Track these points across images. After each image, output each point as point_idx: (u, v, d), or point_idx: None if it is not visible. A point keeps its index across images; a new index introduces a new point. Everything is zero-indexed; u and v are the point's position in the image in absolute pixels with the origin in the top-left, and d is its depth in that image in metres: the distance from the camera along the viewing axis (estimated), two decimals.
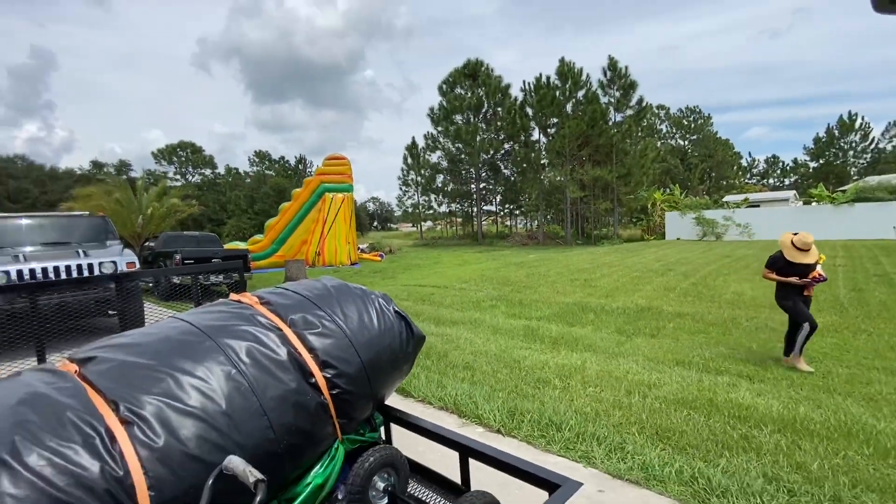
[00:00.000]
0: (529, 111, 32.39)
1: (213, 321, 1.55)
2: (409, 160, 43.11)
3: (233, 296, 1.82)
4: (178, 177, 58.03)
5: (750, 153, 65.14)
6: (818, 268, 4.88)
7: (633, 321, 7.14)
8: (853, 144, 52.20)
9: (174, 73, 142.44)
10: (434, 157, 40.61)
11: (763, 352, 5.51)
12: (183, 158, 59.40)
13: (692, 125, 57.31)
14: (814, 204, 26.10)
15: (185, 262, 10.52)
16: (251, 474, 0.99)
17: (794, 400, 3.91)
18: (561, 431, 3.33)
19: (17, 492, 0.95)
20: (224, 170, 61.92)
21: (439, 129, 37.87)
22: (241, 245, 20.14)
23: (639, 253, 18.67)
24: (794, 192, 38.97)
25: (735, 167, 57.40)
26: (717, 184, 53.17)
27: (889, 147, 50.80)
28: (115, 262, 6.47)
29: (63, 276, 5.96)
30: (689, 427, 3.35)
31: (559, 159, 30.33)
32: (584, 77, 29.89)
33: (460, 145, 36.75)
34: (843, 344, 5.74)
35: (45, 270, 5.89)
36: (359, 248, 23.05)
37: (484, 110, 36.58)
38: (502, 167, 38.98)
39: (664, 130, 56.93)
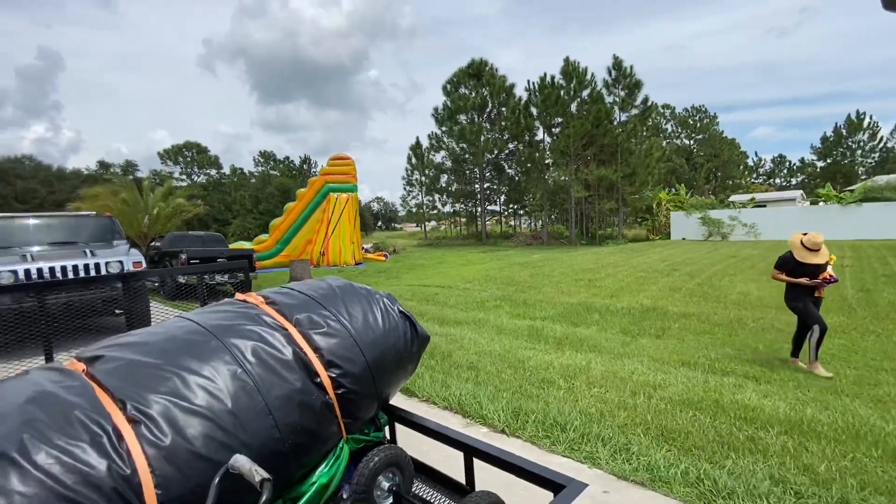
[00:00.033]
0: (534, 111, 32.32)
1: (219, 321, 1.56)
2: (414, 160, 43.15)
3: (238, 295, 1.83)
4: (183, 177, 58.42)
5: (756, 152, 64.96)
6: (829, 269, 4.80)
7: (638, 322, 7.11)
8: (861, 144, 51.74)
9: (180, 74, 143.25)
10: (438, 157, 40.70)
11: (769, 353, 5.47)
12: (188, 159, 59.76)
13: (698, 124, 57.01)
14: (821, 204, 25.91)
15: (191, 261, 10.58)
16: (257, 473, 0.99)
17: (801, 401, 3.88)
18: (565, 432, 3.32)
19: (25, 489, 0.96)
20: (229, 170, 62.29)
21: (443, 128, 37.91)
22: (246, 245, 20.24)
23: (644, 253, 18.59)
24: (801, 191, 38.71)
25: (741, 167, 57.04)
26: (722, 183, 52.89)
27: None
28: (121, 262, 6.51)
29: (70, 275, 6.00)
30: (694, 428, 3.34)
31: (564, 159, 30.27)
32: (588, 76, 29.83)
33: (464, 145, 36.76)
34: (850, 345, 5.69)
35: (52, 270, 5.93)
36: (363, 248, 23.11)
37: (488, 110, 36.57)
38: (506, 167, 38.95)
39: (669, 130, 56.69)
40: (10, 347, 4.52)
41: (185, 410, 1.22)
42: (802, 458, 2.90)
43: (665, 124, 55.37)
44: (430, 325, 7.10)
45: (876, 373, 4.68)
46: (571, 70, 29.78)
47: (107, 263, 6.38)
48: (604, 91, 29.93)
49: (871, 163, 50.95)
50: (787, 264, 4.92)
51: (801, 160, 59.25)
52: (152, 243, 15.19)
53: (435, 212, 45.27)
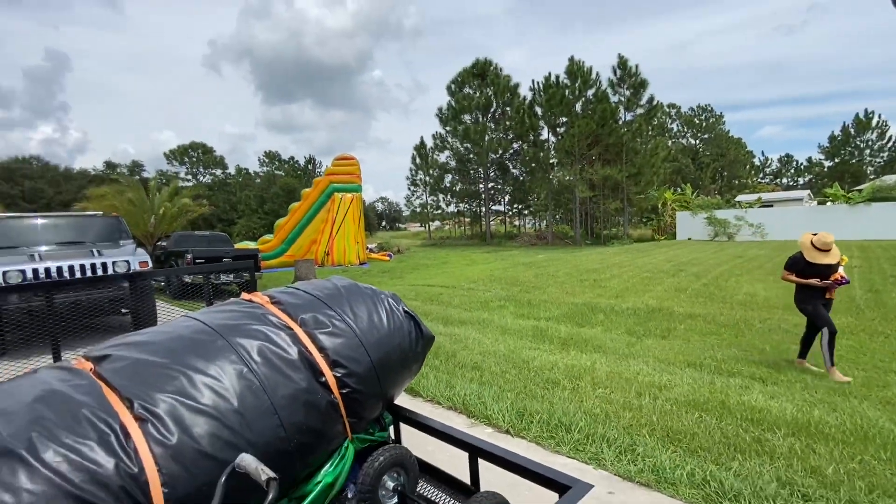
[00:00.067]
0: (538, 110, 32.27)
1: (225, 320, 1.57)
2: (418, 160, 43.18)
3: (244, 295, 1.84)
4: (189, 177, 58.76)
5: (763, 152, 64.51)
6: (840, 270, 4.72)
7: (643, 322, 7.08)
8: (869, 143, 51.25)
9: (186, 75, 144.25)
10: (442, 157, 40.73)
11: (776, 354, 5.43)
12: (194, 159, 60.11)
13: (703, 124, 56.69)
14: (829, 204, 25.71)
15: (197, 261, 10.64)
16: (263, 472, 0.99)
17: (808, 403, 3.84)
18: (570, 433, 3.31)
19: (33, 487, 0.97)
20: (234, 170, 62.61)
21: (448, 128, 37.92)
22: (251, 245, 20.31)
23: (649, 253, 18.51)
24: (809, 191, 38.39)
25: (747, 166, 56.68)
26: (729, 183, 52.57)
27: None
28: (128, 262, 6.55)
29: (77, 275, 6.05)
30: (700, 429, 3.31)
31: (568, 159, 30.18)
32: (593, 76, 29.75)
33: (469, 145, 36.75)
34: (859, 346, 5.64)
35: (59, 269, 5.98)
36: (367, 248, 23.14)
37: (492, 110, 36.54)
38: (511, 167, 38.90)
39: (675, 129, 56.41)
40: (19, 346, 4.56)
41: (192, 409, 1.23)
42: (810, 460, 2.88)
43: (670, 124, 55.10)
44: (435, 325, 7.10)
45: (885, 374, 4.64)
46: (576, 69, 29.70)
47: (113, 263, 6.42)
48: (609, 90, 29.87)
49: (879, 162, 50.46)
50: (797, 265, 4.84)
51: (809, 160, 58.84)
52: (158, 243, 15.28)
53: (439, 212, 45.28)
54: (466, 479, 1.76)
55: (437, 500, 1.77)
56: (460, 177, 40.20)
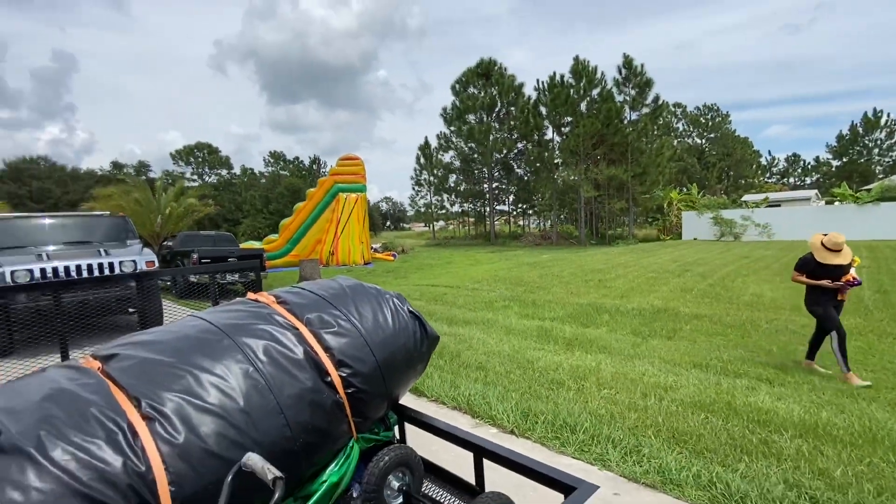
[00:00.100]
0: (543, 110, 32.20)
1: (231, 320, 1.58)
2: (422, 160, 43.21)
3: (250, 295, 1.85)
4: (195, 177, 59.06)
5: (770, 151, 63.90)
6: (852, 271, 4.64)
7: (648, 322, 7.05)
8: (878, 142, 50.76)
9: (191, 76, 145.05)
10: (447, 157, 40.72)
11: (783, 355, 5.39)
12: (200, 159, 60.42)
13: (709, 123, 56.36)
14: (837, 203, 25.44)
15: (202, 261, 10.69)
16: (270, 472, 0.99)
17: (815, 404, 3.81)
18: (575, 433, 3.30)
19: (42, 485, 0.97)
20: (240, 170, 62.88)
21: (452, 128, 37.91)
22: (256, 244, 20.40)
23: (655, 253, 18.43)
24: (816, 191, 38.08)
25: (754, 166, 56.27)
26: (735, 183, 52.21)
27: None
28: (134, 261, 6.60)
29: (85, 274, 6.09)
30: (706, 431, 3.30)
31: (573, 158, 30.11)
32: (598, 75, 29.65)
33: (473, 145, 36.73)
34: (867, 348, 5.59)
35: (67, 269, 6.03)
36: (372, 248, 23.18)
37: (497, 110, 36.50)
38: (515, 167, 38.85)
39: (681, 129, 56.11)
40: (27, 345, 4.61)
41: (198, 408, 1.23)
42: (817, 463, 2.85)
43: (676, 123, 54.83)
44: (439, 325, 7.10)
45: (894, 376, 4.59)
46: (581, 69, 29.62)
47: (120, 262, 6.47)
48: (614, 90, 29.75)
49: (888, 161, 49.98)
50: (808, 266, 4.76)
51: (816, 159, 58.39)
52: (164, 243, 15.37)
53: (443, 212, 45.28)
54: (471, 479, 1.76)
55: (442, 501, 1.77)
56: (465, 177, 40.19)
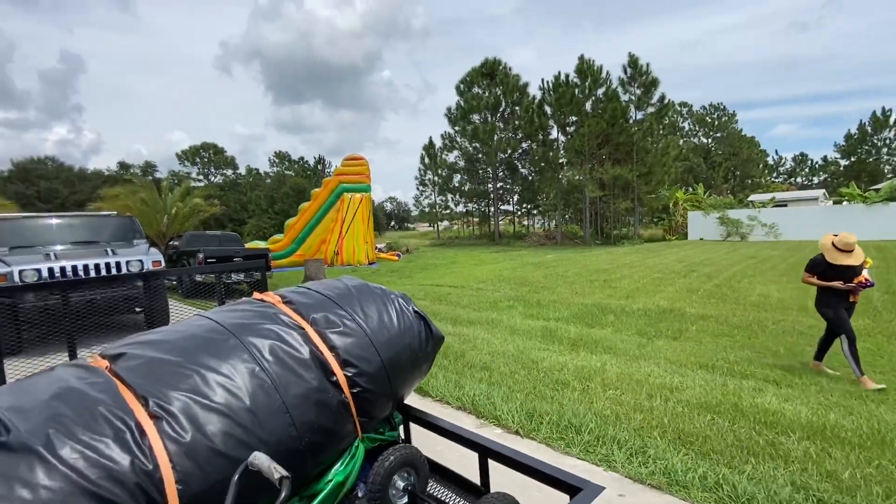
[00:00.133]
0: (548, 110, 32.10)
1: (237, 319, 1.58)
2: (427, 160, 43.23)
3: (256, 294, 1.86)
4: (200, 177, 59.43)
5: (777, 151, 63.27)
6: (864, 272, 4.56)
7: (654, 323, 7.01)
8: (887, 141, 50.20)
9: (197, 76, 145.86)
10: (451, 157, 40.71)
11: (790, 356, 5.35)
12: (206, 159, 60.79)
13: (716, 122, 56.04)
14: (845, 203, 25.24)
15: (208, 260, 10.75)
16: (276, 471, 1.00)
17: (823, 406, 3.78)
18: (580, 434, 3.29)
19: (51, 484, 0.98)
20: (245, 170, 63.18)
21: (456, 128, 37.91)
22: (261, 244, 20.48)
23: (660, 253, 18.34)
24: (824, 190, 37.75)
25: (761, 165, 55.88)
26: (741, 183, 51.86)
27: None
28: (141, 261, 6.64)
29: (92, 274, 6.14)
30: (712, 432, 3.28)
31: (578, 158, 30.01)
32: (603, 75, 29.51)
33: (477, 145, 36.71)
34: (876, 349, 5.54)
35: (74, 268, 6.08)
36: (376, 248, 23.22)
37: (501, 109, 36.46)
38: (520, 166, 38.78)
39: (687, 128, 55.82)
40: (35, 344, 4.65)
41: (205, 407, 1.24)
42: (825, 465, 2.83)
43: (682, 122, 54.55)
44: (443, 325, 7.10)
45: None
46: (586, 68, 29.51)
47: (127, 262, 6.51)
48: (619, 89, 29.62)
49: None
50: (818, 267, 4.68)
51: (824, 158, 57.88)
52: (170, 242, 15.47)
53: (448, 211, 45.30)
54: (476, 479, 1.76)
55: (447, 501, 1.77)
56: (469, 176, 40.17)
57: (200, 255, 10.93)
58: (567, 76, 30.27)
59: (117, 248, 6.85)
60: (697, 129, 56.47)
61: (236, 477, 1.03)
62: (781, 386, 4.35)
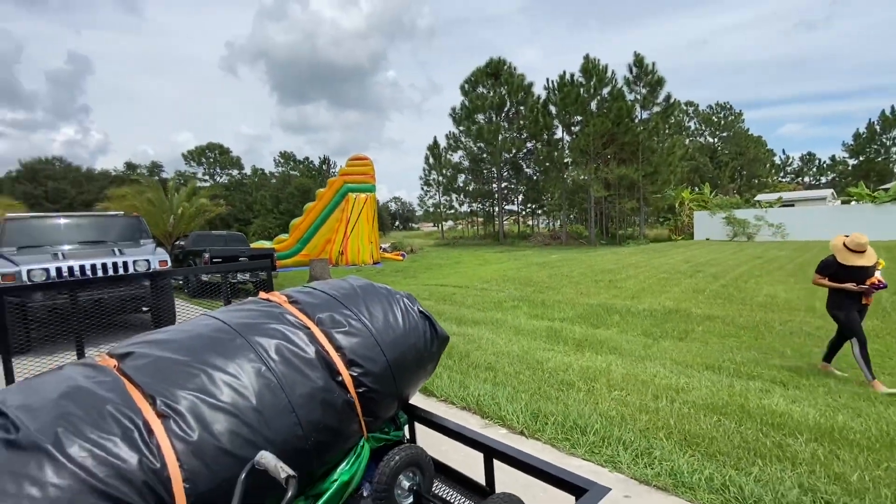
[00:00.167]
0: (553, 109, 32.04)
1: (243, 319, 1.59)
2: (431, 160, 43.25)
3: (262, 294, 1.86)
4: (206, 177, 59.71)
5: (784, 150, 62.73)
6: (877, 273, 4.47)
7: (660, 323, 6.98)
8: None
9: (203, 77, 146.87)
10: (456, 157, 40.71)
11: (798, 357, 5.31)
12: (211, 160, 61.09)
13: (722, 122, 55.70)
14: (853, 203, 25.00)
15: (214, 260, 10.81)
16: (283, 470, 1.00)
17: (831, 408, 3.75)
18: (585, 435, 3.28)
19: (59, 481, 0.99)
20: (250, 170, 63.51)
21: (461, 128, 37.89)
22: (266, 244, 20.57)
23: (666, 253, 18.25)
24: (832, 190, 37.41)
25: (768, 165, 55.48)
26: (748, 182, 51.52)
27: None
28: (148, 261, 6.68)
29: (99, 273, 6.19)
30: (719, 433, 3.25)
31: (583, 158, 29.91)
32: (609, 74, 29.43)
33: (482, 145, 36.66)
34: (885, 350, 5.48)
35: (82, 268, 6.12)
36: (381, 248, 23.25)
37: (506, 109, 36.40)
38: (524, 166, 38.72)
39: (693, 128, 55.52)
40: (43, 343, 4.69)
41: (212, 407, 1.24)
42: (833, 467, 2.80)
43: (688, 122, 54.26)
44: (448, 325, 7.10)
45: None
46: (591, 67, 29.42)
47: (134, 262, 6.55)
48: (625, 89, 29.51)
49: None
50: (830, 268, 4.60)
51: (832, 158, 57.45)
52: (177, 242, 15.56)
53: (452, 211, 45.27)
54: (481, 479, 1.76)
55: (452, 501, 1.77)
56: (473, 176, 40.14)
57: (206, 255, 10.99)
58: (572, 76, 30.23)
59: (124, 248, 6.90)
60: (703, 128, 56.15)
61: (243, 476, 1.04)
62: (789, 387, 4.32)
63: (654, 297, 9.11)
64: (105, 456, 1.05)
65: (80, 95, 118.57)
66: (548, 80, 32.49)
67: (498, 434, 3.40)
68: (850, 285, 4.48)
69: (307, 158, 65.52)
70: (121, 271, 6.35)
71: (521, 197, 41.83)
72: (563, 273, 13.15)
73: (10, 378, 2.41)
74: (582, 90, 29.63)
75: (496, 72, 36.08)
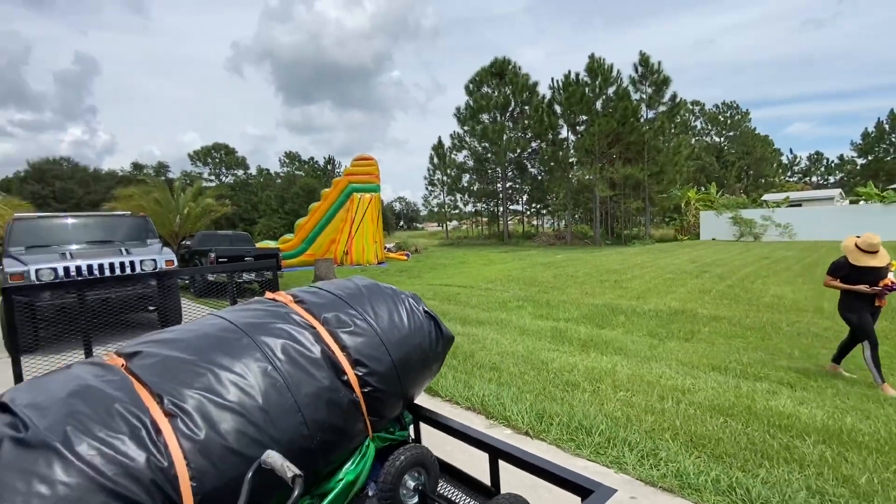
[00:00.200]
0: (558, 109, 31.95)
1: (249, 319, 1.60)
2: (436, 160, 43.25)
3: (268, 294, 1.87)
4: (212, 177, 60.08)
5: (791, 150, 62.42)
6: (890, 275, 4.38)
7: (665, 324, 6.95)
8: None
9: (209, 77, 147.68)
10: (460, 157, 40.71)
11: (805, 358, 5.27)
12: (217, 160, 61.44)
13: (728, 121, 55.37)
14: (862, 203, 24.78)
15: (220, 260, 10.86)
16: (289, 469, 1.00)
17: (839, 409, 3.71)
18: (591, 436, 3.27)
19: (68, 480, 1.00)
20: (256, 170, 63.80)
21: (466, 128, 37.88)
22: (272, 244, 20.65)
23: (672, 253, 18.16)
24: (840, 190, 37.11)
25: (775, 164, 55.11)
26: (755, 182, 51.19)
27: None
28: (154, 260, 6.73)
29: (107, 273, 6.23)
30: (725, 435, 3.24)
31: (588, 157, 29.82)
32: (614, 73, 29.29)
33: (486, 144, 36.64)
34: (894, 352, 5.42)
35: (90, 267, 6.17)
36: (385, 248, 23.29)
37: (511, 109, 36.36)
38: (529, 166, 38.65)
39: (699, 127, 55.23)
40: (51, 342, 4.73)
41: (219, 406, 1.25)
42: (841, 469, 2.78)
43: (694, 121, 53.96)
44: (453, 325, 7.10)
45: None
46: (596, 67, 29.30)
47: (141, 261, 6.60)
48: (630, 88, 29.37)
49: None
50: (842, 270, 4.54)
51: (840, 157, 57.00)
52: (183, 242, 15.66)
53: (457, 211, 45.27)
54: (486, 479, 1.75)
55: (457, 501, 1.77)
56: (478, 176, 40.12)
57: (212, 255, 11.05)
58: (577, 75, 30.12)
59: (131, 248, 6.95)
60: (710, 127, 55.85)
61: (250, 475, 1.04)
62: (796, 389, 4.28)
63: (660, 297, 9.07)
64: (113, 454, 1.06)
65: (88, 96, 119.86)
66: (553, 79, 32.46)
67: (503, 434, 3.40)
68: (862, 287, 4.40)
69: (312, 158, 65.83)
70: (128, 271, 6.40)
71: (525, 197, 41.76)
72: (568, 273, 13.11)
73: (18, 377, 2.43)
74: (587, 89, 29.52)
75: (501, 71, 36.04)
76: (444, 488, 1.83)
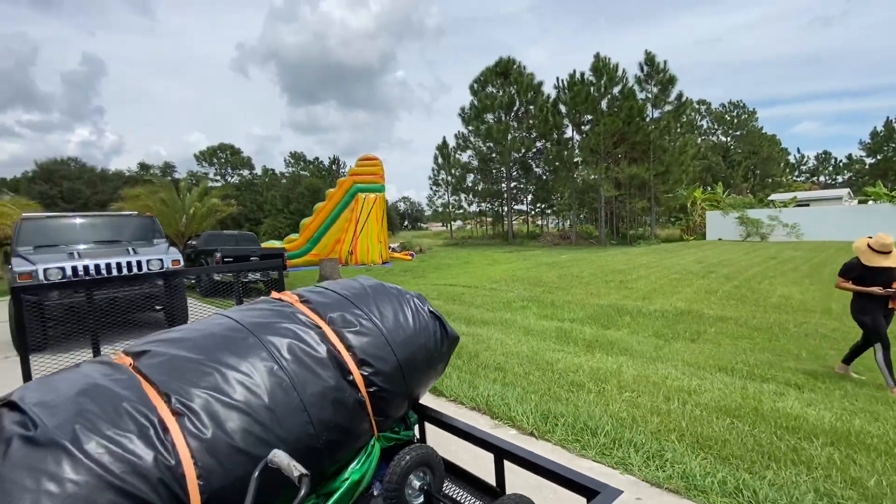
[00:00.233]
0: (563, 108, 31.87)
1: (256, 318, 1.60)
2: (440, 160, 43.25)
3: (274, 294, 1.88)
4: (218, 178, 60.36)
5: (799, 149, 61.58)
6: None
7: (671, 325, 6.91)
8: None
9: (215, 78, 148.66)
10: (465, 157, 40.70)
11: (813, 360, 5.22)
12: (223, 160, 61.74)
13: (735, 120, 54.97)
14: (870, 203, 24.54)
15: (225, 259, 10.92)
16: (295, 468, 1.00)
17: (848, 411, 3.68)
18: (596, 437, 3.26)
19: (77, 477, 1.01)
20: (261, 171, 64.08)
21: (470, 128, 37.86)
22: (277, 244, 20.73)
23: (677, 253, 18.06)
24: (848, 190, 36.77)
25: (782, 164, 54.64)
26: (761, 182, 50.78)
27: None
28: (161, 260, 6.77)
29: (114, 272, 6.28)
30: (732, 436, 3.21)
31: (593, 157, 29.72)
32: (619, 73, 29.20)
33: (491, 144, 36.61)
34: None
35: (97, 267, 6.22)
36: (390, 248, 23.31)
37: (515, 108, 36.29)
38: (534, 166, 38.58)
39: (705, 126, 54.88)
40: (59, 341, 4.77)
41: (225, 405, 1.26)
42: (850, 472, 2.75)
43: (700, 121, 53.61)
44: (457, 325, 7.09)
45: None
46: (602, 66, 29.21)
47: (148, 261, 6.65)
48: (636, 87, 29.28)
49: None
50: (854, 271, 4.47)
51: (849, 157, 56.49)
52: (189, 242, 15.75)
53: (461, 211, 45.25)
54: (491, 479, 1.75)
55: (462, 501, 1.77)
56: (482, 176, 40.09)
57: (218, 255, 11.10)
58: (582, 74, 30.05)
59: (138, 248, 7.00)
60: (716, 127, 55.48)
61: (256, 473, 1.05)
62: (804, 390, 4.25)
63: (666, 297, 9.02)
64: (121, 453, 1.07)
65: (95, 97, 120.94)
66: (558, 79, 32.38)
67: (508, 435, 3.39)
68: (876, 289, 4.32)
69: (317, 159, 65.98)
70: (135, 270, 6.44)
71: (530, 197, 41.68)
72: (573, 273, 13.07)
73: (27, 375, 2.46)
74: (592, 89, 29.43)
75: (505, 71, 35.98)
76: (450, 488, 1.83)
